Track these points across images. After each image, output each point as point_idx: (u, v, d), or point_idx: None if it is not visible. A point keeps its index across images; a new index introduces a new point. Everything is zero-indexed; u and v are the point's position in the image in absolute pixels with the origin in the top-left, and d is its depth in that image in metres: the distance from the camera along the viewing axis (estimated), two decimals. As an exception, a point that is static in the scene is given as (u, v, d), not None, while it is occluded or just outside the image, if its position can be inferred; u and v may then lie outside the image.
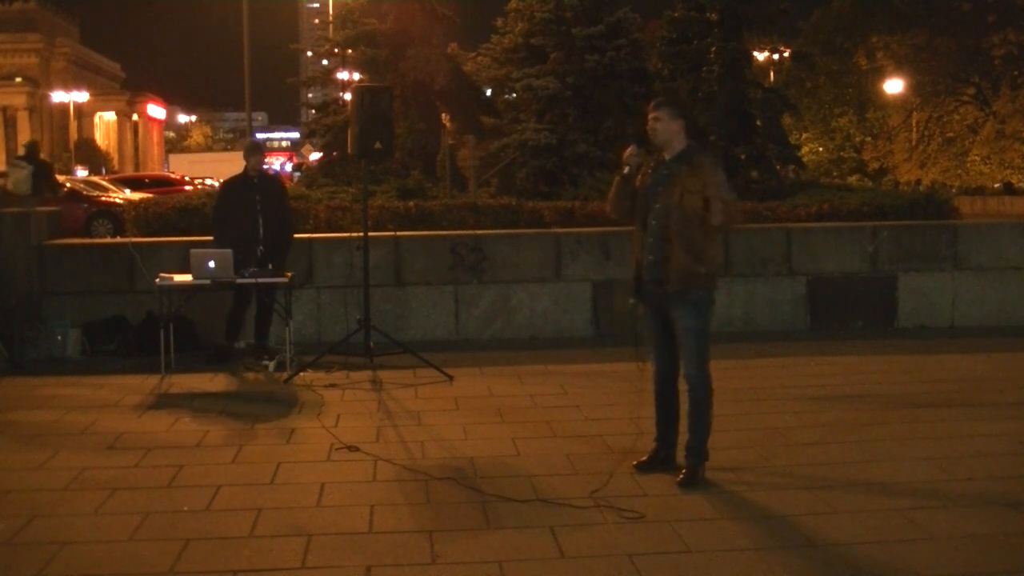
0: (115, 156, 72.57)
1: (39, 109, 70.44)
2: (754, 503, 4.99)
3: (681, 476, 5.26)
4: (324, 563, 4.28)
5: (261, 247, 8.59)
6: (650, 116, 5.35)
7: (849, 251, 10.31)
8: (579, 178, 19.04)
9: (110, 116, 76.65)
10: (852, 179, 39.29)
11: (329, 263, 9.73)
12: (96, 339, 9.27)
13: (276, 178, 9.74)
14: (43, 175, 16.42)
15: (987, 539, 4.50)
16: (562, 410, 6.93)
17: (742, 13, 21.00)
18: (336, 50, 25.41)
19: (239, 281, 8.27)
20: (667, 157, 5.33)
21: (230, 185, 9.16)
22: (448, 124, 24.44)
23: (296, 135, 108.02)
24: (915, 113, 44.85)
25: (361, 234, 8.54)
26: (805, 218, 12.33)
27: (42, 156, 18.06)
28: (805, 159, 32.92)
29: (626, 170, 5.41)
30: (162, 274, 8.42)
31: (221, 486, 5.29)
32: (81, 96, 66.46)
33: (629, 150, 5.41)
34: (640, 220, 5.37)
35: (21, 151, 18.17)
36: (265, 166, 10.70)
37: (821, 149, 48.58)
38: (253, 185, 8.83)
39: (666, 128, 5.32)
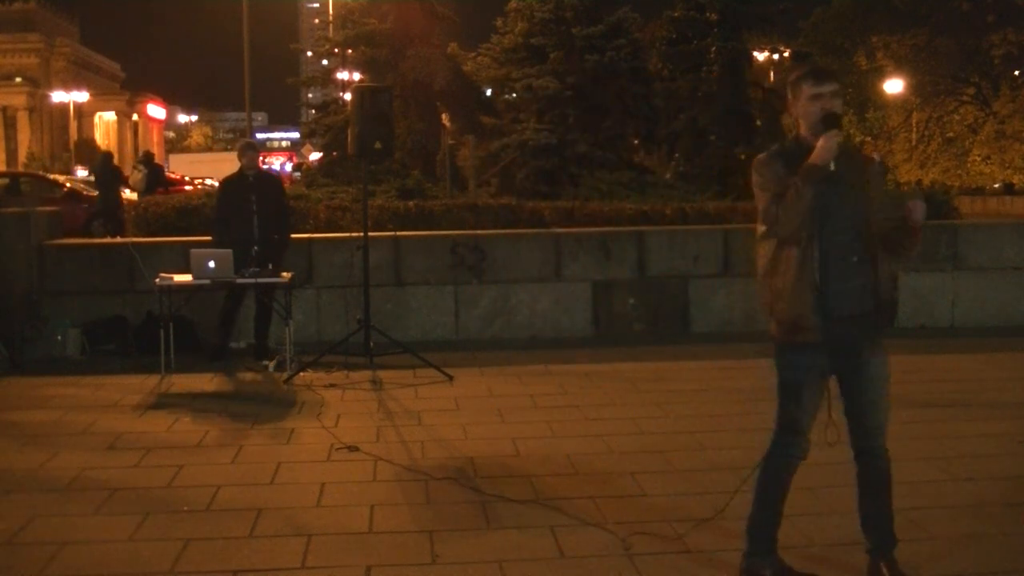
0: (115, 156, 72.48)
1: (39, 109, 70.42)
2: (754, 503, 4.97)
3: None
4: (324, 563, 4.28)
5: (256, 247, 8.60)
6: (828, 90, 3.79)
7: (849, 251, 10.29)
8: (579, 178, 19.04)
9: (110, 116, 76.63)
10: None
11: (329, 263, 9.74)
12: (96, 339, 9.27)
13: (273, 177, 9.73)
14: (156, 177, 20.17)
15: (987, 539, 4.50)
16: (562, 410, 6.92)
17: (742, 13, 21.03)
18: (336, 50, 25.37)
19: (239, 281, 8.28)
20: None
21: (227, 185, 9.17)
22: (448, 124, 24.40)
23: (296, 135, 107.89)
24: (915, 113, 44.84)
25: (361, 234, 8.55)
26: (805, 218, 12.32)
27: (156, 161, 23.43)
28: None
29: (832, 167, 3.71)
30: (162, 274, 8.42)
31: (221, 486, 5.29)
32: (81, 96, 66.41)
33: (835, 136, 3.70)
34: (809, 230, 3.75)
35: (143, 155, 23.86)
36: (266, 166, 10.72)
37: (821, 149, 48.48)
38: (249, 184, 8.85)
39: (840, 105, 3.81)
